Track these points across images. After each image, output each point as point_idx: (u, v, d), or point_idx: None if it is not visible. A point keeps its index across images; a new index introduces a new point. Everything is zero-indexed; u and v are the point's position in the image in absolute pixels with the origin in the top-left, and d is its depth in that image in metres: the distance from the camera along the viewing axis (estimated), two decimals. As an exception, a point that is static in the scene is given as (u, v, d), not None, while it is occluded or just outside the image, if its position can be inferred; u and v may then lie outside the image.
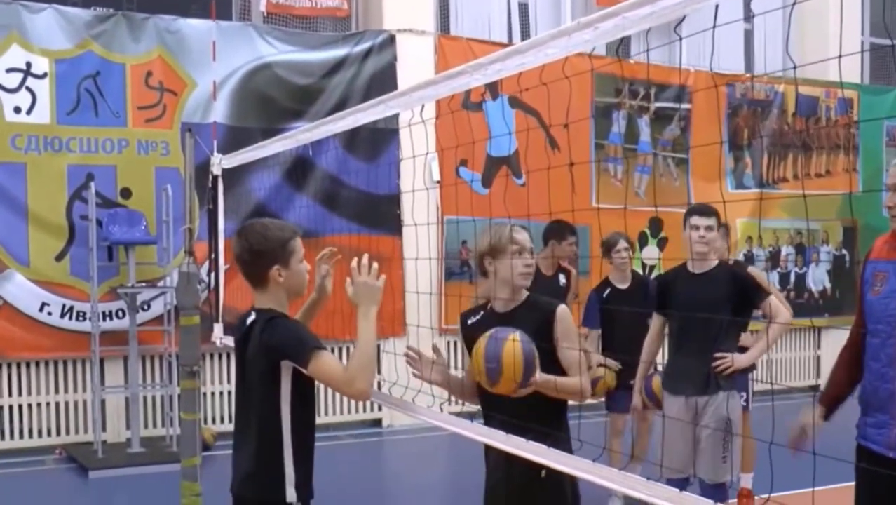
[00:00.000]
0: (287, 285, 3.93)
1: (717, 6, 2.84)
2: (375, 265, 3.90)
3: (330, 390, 10.90)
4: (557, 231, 7.81)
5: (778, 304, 6.15)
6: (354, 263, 3.87)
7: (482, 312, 4.51)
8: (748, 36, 14.87)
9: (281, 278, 3.89)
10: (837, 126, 14.58)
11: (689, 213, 6.16)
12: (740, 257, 13.20)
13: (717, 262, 6.09)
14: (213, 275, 7.10)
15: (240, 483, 3.99)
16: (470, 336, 4.46)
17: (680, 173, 13.41)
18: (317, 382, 3.92)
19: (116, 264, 10.16)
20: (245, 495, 3.97)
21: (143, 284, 10.01)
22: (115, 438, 10.19)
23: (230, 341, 6.93)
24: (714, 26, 2.99)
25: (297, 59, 11.09)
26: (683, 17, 2.78)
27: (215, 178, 6.55)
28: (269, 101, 10.88)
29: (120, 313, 10.15)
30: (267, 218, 4.45)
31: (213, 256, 6.82)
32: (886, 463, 3.92)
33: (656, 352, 6.49)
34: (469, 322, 4.57)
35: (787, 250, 14.32)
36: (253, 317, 3.94)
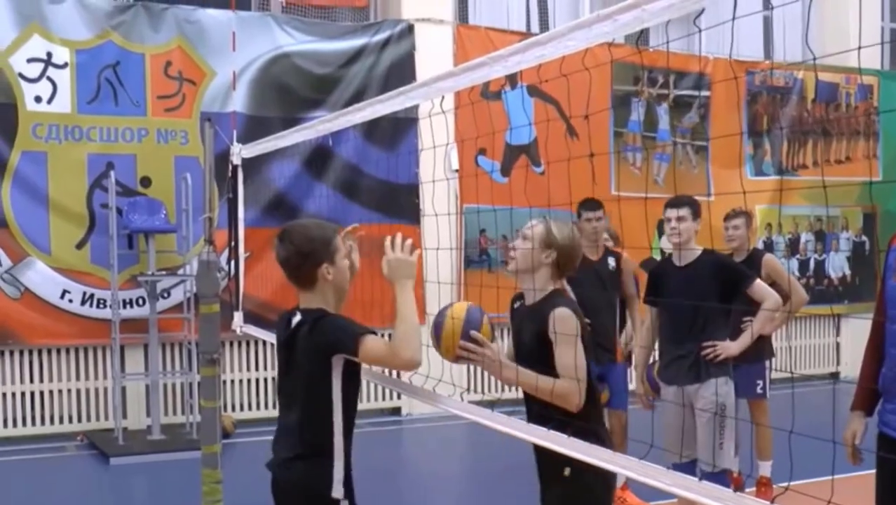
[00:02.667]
0: (335, 282, 3.94)
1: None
2: (409, 241, 3.90)
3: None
4: (578, 209, 7.71)
5: (765, 288, 6.15)
6: (388, 241, 3.87)
7: (521, 302, 4.52)
8: (767, 23, 14.79)
9: (330, 276, 3.89)
10: (857, 112, 14.51)
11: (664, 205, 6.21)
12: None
13: (700, 251, 6.11)
14: (232, 263, 7.14)
15: (283, 469, 4.01)
16: (512, 321, 4.54)
17: (699, 161, 13.38)
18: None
19: (136, 252, 10.23)
20: (290, 480, 3.99)
21: (163, 273, 10.08)
22: (135, 424, 10.25)
23: (250, 330, 7.02)
24: (734, 17, 2.98)
25: (315, 48, 11.11)
26: (703, 10, 2.79)
27: (235, 167, 6.57)
28: (287, 91, 10.91)
29: (140, 301, 10.21)
30: (305, 219, 4.50)
31: (232, 244, 6.83)
32: None
33: (653, 341, 6.54)
34: (514, 306, 4.60)
35: (806, 237, 14.28)
36: (299, 318, 3.94)
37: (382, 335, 3.83)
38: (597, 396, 4.40)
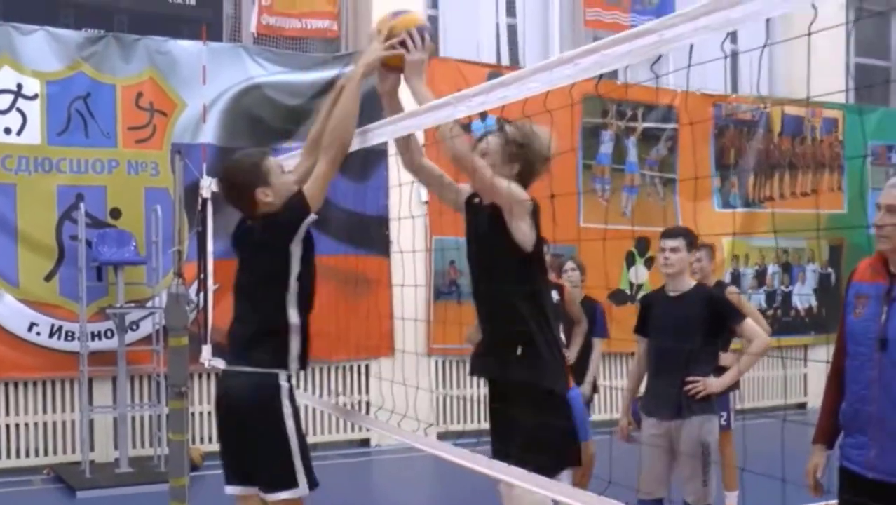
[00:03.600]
0: (278, 200, 4.22)
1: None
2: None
3: (315, 413, 10.93)
4: None
5: (754, 327, 6.13)
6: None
7: (476, 199, 4.76)
8: (734, 57, 14.99)
9: (269, 197, 4.11)
10: (823, 145, 14.69)
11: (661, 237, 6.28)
12: (727, 276, 13.28)
13: (693, 283, 6.16)
14: (201, 295, 7.15)
15: (238, 358, 4.30)
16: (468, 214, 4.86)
17: (667, 193, 13.50)
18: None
19: (105, 284, 10.17)
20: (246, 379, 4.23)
21: (132, 305, 10.04)
22: (103, 458, 10.19)
23: (218, 363, 7.02)
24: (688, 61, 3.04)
25: (286, 79, 11.15)
26: (659, 56, 2.87)
27: (205, 200, 6.59)
28: (258, 122, 10.92)
29: (108, 333, 10.14)
30: (235, 154, 4.72)
31: (202, 276, 6.86)
32: (866, 483, 3.99)
33: (642, 373, 6.48)
34: (474, 202, 4.81)
35: (773, 269, 14.41)
36: (249, 225, 4.32)
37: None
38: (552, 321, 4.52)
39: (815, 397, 13.90)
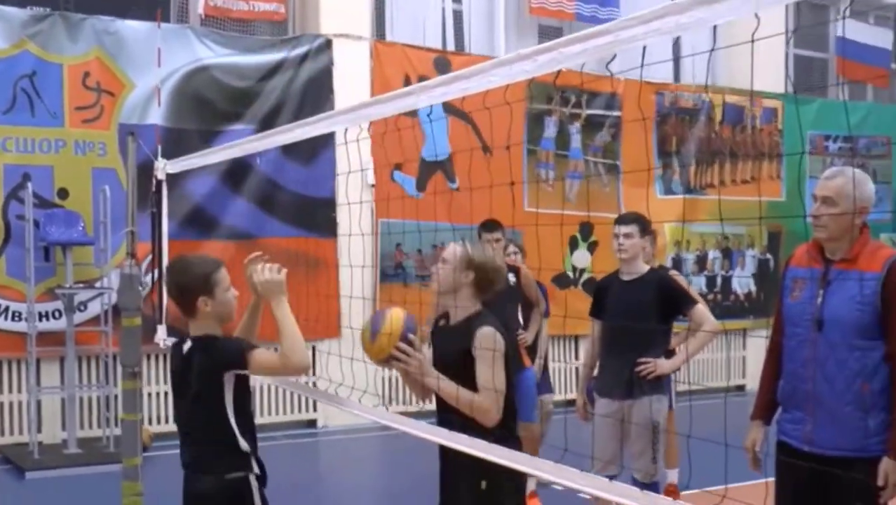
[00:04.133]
0: (215, 313, 4.18)
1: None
2: (275, 265, 4.23)
3: (265, 390, 11.00)
4: (479, 231, 7.98)
5: (704, 312, 6.30)
6: (253, 266, 4.27)
7: (445, 321, 4.70)
8: (676, 47, 15.21)
9: (208, 308, 4.15)
10: (762, 134, 14.97)
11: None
12: (668, 262, 13.51)
13: (647, 268, 6.31)
14: (154, 274, 7.17)
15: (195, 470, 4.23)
16: (434, 338, 4.76)
17: (610, 179, 13.68)
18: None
19: (53, 265, 10.15)
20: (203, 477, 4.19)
21: (81, 285, 10.00)
22: (51, 439, 10.15)
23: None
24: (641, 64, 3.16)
25: (234, 62, 11.16)
26: (615, 56, 3.00)
27: (159, 182, 6.60)
28: (206, 104, 10.93)
29: (56, 314, 10.11)
30: (190, 254, 4.72)
31: (156, 258, 6.88)
32: (802, 456, 4.21)
33: (596, 354, 6.60)
34: (438, 324, 4.78)
35: (713, 254, 14.68)
36: (190, 344, 4.21)
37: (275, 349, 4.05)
38: (515, 412, 4.57)
39: (753, 379, 14.19)
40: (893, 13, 16.99)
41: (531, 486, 7.76)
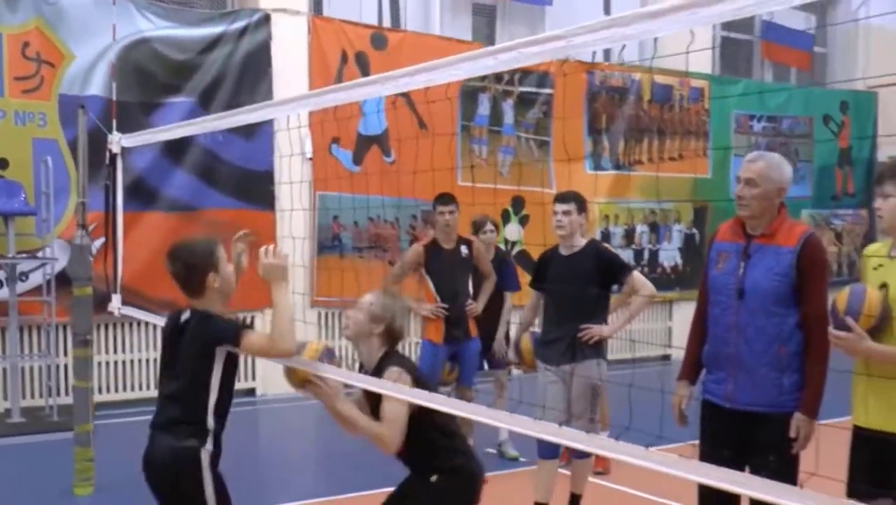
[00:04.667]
0: (221, 289, 4.45)
1: None
2: (281, 249, 4.49)
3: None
4: (434, 203, 8.31)
5: (641, 278, 6.71)
6: (262, 249, 4.48)
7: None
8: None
9: (216, 284, 4.41)
10: (691, 113, 15.39)
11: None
12: (597, 235, 13.89)
13: (584, 242, 6.64)
14: (98, 243, 7.32)
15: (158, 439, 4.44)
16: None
17: (542, 155, 14.00)
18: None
19: (-7, 234, 10.17)
20: (164, 445, 4.39)
21: (23, 255, 10.02)
22: (-7, 408, 10.23)
23: (129, 311, 7.27)
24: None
25: (174, 34, 11.22)
26: (567, 57, 3.28)
27: (114, 155, 6.77)
28: (147, 76, 10.99)
29: (-4, 284, 10.15)
30: (187, 238, 4.92)
31: (109, 229, 7.04)
32: (723, 412, 4.66)
33: (531, 319, 7.11)
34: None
35: (641, 228, 15.09)
36: (188, 315, 4.46)
37: (238, 319, 4.29)
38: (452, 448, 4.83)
39: (680, 350, 14.69)
40: (817, -2, 17.56)
41: None
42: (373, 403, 4.71)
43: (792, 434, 4.44)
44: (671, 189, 15.17)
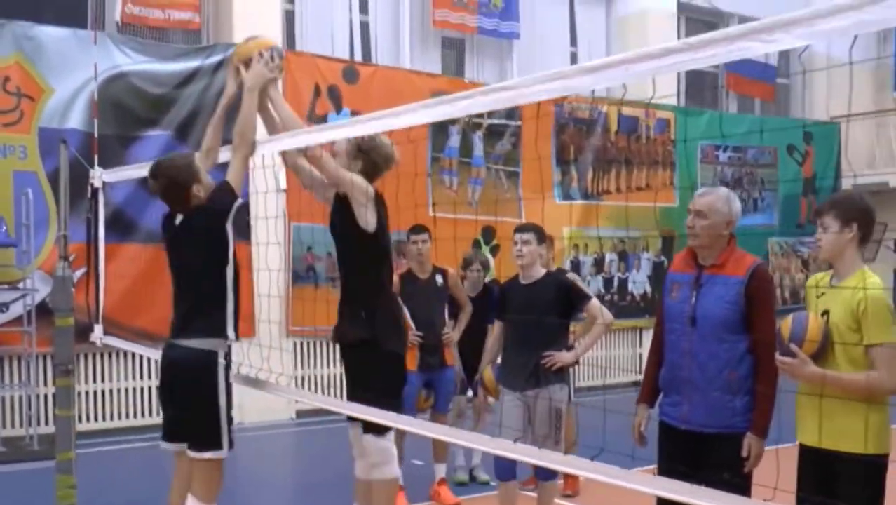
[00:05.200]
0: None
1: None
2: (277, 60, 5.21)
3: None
4: (407, 233, 8.54)
5: (598, 306, 6.97)
6: (257, 55, 5.24)
7: None
8: (574, 59, 15.94)
9: (201, 193, 4.87)
10: (656, 144, 15.73)
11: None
12: (567, 264, 14.17)
13: (544, 271, 6.90)
14: (78, 274, 7.51)
15: (180, 332, 4.95)
16: None
17: (511, 186, 14.29)
18: None
19: (-26, 266, 10.34)
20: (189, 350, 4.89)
21: (4, 286, 10.19)
22: (-28, 437, 10.34)
23: (110, 340, 7.46)
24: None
25: (151, 69, 11.48)
26: (516, 108, 3.55)
27: (95, 189, 6.99)
28: (125, 110, 11.22)
29: (-24, 315, 10.28)
30: (165, 157, 5.62)
31: (91, 262, 7.24)
32: (679, 432, 4.94)
33: (497, 351, 7.30)
34: None
35: (610, 257, 15.39)
36: (181, 217, 5.00)
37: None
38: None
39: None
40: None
41: (440, 473, 8.34)
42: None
43: (744, 453, 4.71)
44: (639, 218, 15.50)
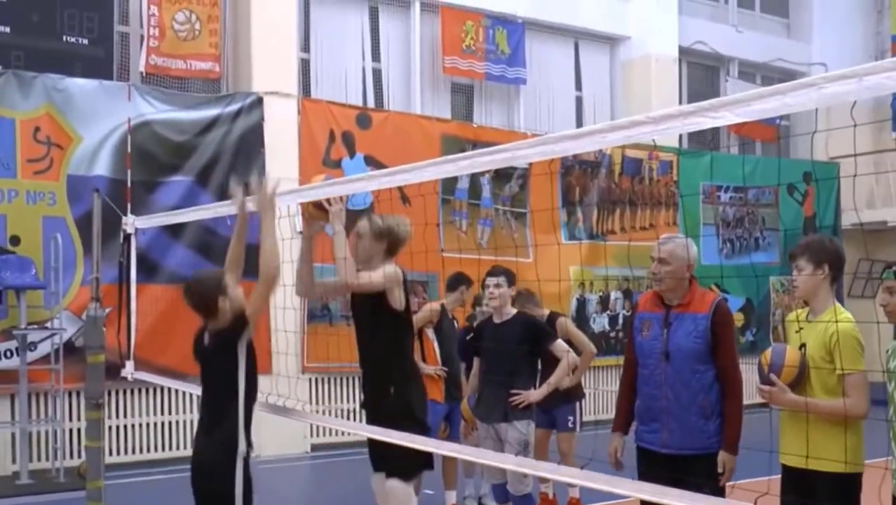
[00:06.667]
0: (231, 309, 5.33)
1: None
2: (274, 182, 5.61)
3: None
4: (464, 281, 9.06)
5: (562, 345, 7.51)
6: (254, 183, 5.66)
7: None
8: (579, 102, 16.46)
9: (226, 304, 5.30)
10: (659, 185, 16.19)
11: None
12: (573, 302, 14.64)
13: (514, 312, 7.36)
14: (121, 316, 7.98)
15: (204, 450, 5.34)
16: None
17: (519, 226, 14.76)
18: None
19: (5, 307, 10.81)
20: (208, 455, 5.29)
21: (34, 326, 10.66)
22: (2, 471, 10.80)
23: (142, 376, 7.94)
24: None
25: (174, 117, 12.01)
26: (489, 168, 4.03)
27: (127, 235, 7.49)
28: (148, 156, 11.72)
29: (8, 353, 10.73)
30: (197, 272, 5.85)
31: (123, 302, 7.71)
32: (660, 457, 5.41)
33: (476, 384, 7.82)
34: None
35: (615, 295, 15.81)
36: (207, 338, 5.42)
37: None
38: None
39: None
40: (778, 74, 18.48)
41: (450, 500, 8.81)
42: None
43: (720, 469, 5.25)
44: (643, 257, 15.81)
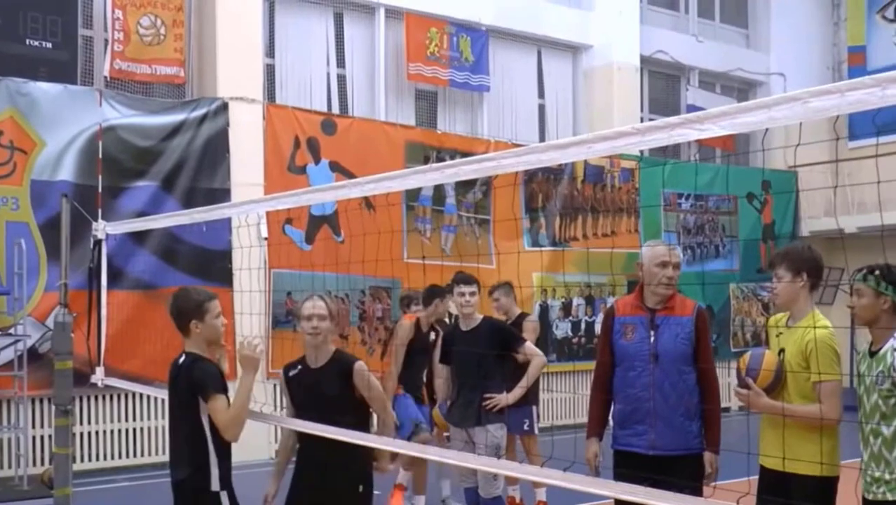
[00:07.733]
0: (204, 335, 5.22)
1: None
2: (258, 342, 5.30)
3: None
4: (439, 293, 9.04)
5: (533, 348, 7.59)
6: (241, 339, 5.48)
7: (300, 367, 5.73)
8: (542, 110, 16.56)
9: (198, 330, 5.18)
10: (621, 192, 16.32)
11: (454, 281, 7.62)
12: (536, 308, 14.71)
13: (482, 318, 7.48)
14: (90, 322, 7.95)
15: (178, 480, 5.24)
16: (289, 385, 5.79)
17: (482, 232, 14.82)
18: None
19: (-33, 313, 10.71)
20: (183, 485, 5.20)
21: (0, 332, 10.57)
22: (-37, 479, 10.65)
23: (112, 382, 7.90)
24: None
25: (138, 122, 11.95)
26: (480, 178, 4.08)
27: (98, 241, 7.45)
28: (113, 161, 11.66)
29: (-31, 360, 10.61)
30: (191, 286, 5.73)
31: (94, 307, 7.67)
32: (647, 459, 5.47)
33: (447, 391, 7.94)
34: (289, 374, 5.79)
35: (577, 301, 15.91)
36: (183, 358, 5.25)
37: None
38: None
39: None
40: (737, 84, 18.71)
41: (399, 478, 8.87)
42: None
43: (707, 470, 5.43)
44: (605, 263, 16.02)
